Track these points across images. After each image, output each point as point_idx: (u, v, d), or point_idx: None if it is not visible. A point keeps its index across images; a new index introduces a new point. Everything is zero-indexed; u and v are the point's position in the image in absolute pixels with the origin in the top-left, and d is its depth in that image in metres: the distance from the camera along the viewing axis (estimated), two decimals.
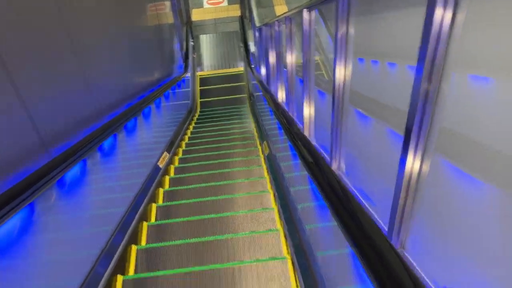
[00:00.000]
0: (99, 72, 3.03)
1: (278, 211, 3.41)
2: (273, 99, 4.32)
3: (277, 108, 3.93)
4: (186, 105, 7.90)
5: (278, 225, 3.21)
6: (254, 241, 2.95)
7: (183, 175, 4.60)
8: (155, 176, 4.18)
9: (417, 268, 1.11)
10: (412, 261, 1.14)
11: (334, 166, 1.93)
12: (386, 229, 1.27)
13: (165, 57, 6.39)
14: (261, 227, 3.22)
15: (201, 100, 9.66)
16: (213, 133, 6.74)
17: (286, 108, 3.84)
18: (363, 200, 1.58)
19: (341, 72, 1.81)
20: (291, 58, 3.57)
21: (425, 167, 1.08)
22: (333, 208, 1.59)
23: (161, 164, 4.49)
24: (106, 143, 2.86)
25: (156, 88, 4.86)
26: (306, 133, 2.69)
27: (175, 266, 2.79)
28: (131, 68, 4.09)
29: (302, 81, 2.78)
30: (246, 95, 9.32)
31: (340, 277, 1.78)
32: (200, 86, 9.93)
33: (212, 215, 3.41)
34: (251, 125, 6.98)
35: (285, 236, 3.00)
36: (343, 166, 1.92)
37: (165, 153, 4.81)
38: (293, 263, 2.64)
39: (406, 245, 1.19)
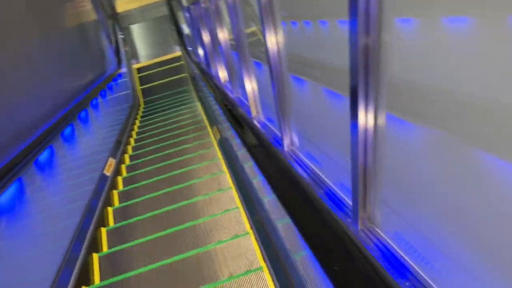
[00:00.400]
0: (15, 88, 2.75)
1: (236, 189, 3.37)
2: (211, 80, 4.16)
3: (214, 89, 3.78)
4: (127, 101, 7.56)
5: (238, 203, 3.18)
6: (216, 222, 2.92)
7: (137, 172, 4.43)
8: (105, 179, 3.97)
9: (399, 252, 0.99)
10: (387, 238, 1.02)
11: (285, 142, 1.83)
12: (350, 203, 1.16)
13: (93, 56, 6.02)
14: (221, 208, 3.17)
15: (142, 87, 9.32)
16: (160, 124, 6.53)
17: (224, 88, 3.70)
18: (326, 179, 1.48)
19: (272, 40, 1.69)
20: (223, 34, 3.41)
21: (381, 121, 0.97)
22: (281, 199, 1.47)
23: (108, 170, 4.26)
24: (41, 158, 2.64)
25: (88, 91, 4.56)
26: (253, 113, 2.57)
27: (141, 265, 2.69)
28: (55, 76, 3.77)
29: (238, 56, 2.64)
30: (187, 76, 9.03)
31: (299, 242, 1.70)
32: (139, 79, 9.55)
33: (172, 206, 3.31)
34: (197, 108, 6.78)
35: (245, 212, 2.98)
36: (295, 141, 1.81)
37: (111, 158, 4.56)
38: (255, 237, 2.65)
39: (376, 219, 1.08)
